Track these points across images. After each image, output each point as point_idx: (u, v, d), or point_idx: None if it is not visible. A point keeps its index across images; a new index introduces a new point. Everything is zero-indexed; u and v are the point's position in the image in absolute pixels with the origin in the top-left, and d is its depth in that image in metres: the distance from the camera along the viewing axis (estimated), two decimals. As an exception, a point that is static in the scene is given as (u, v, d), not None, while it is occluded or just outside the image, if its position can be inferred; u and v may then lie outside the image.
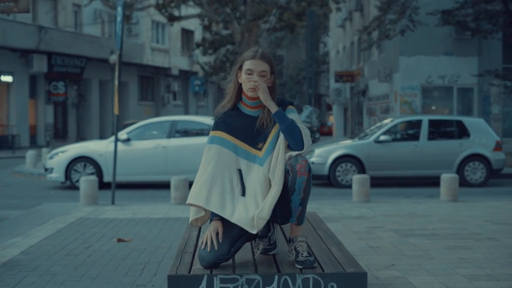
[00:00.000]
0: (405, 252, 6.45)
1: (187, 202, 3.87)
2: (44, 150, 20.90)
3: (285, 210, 3.80)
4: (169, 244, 7.05)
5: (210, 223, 3.82)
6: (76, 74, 33.14)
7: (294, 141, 3.77)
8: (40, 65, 30.28)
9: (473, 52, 26.47)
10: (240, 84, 3.98)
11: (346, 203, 10.76)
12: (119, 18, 10.45)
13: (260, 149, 3.89)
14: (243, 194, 3.81)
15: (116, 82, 10.50)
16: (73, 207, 10.44)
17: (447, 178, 10.95)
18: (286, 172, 3.74)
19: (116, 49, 10.47)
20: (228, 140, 3.95)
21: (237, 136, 3.94)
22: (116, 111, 10.54)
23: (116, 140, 10.78)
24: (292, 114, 3.90)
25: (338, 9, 29.99)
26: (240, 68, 3.98)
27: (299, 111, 21.98)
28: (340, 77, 36.22)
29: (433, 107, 27.04)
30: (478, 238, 7.23)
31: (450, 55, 26.52)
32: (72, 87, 34.31)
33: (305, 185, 3.69)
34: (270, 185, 3.75)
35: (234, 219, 3.71)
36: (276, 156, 3.80)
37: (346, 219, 8.87)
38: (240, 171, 3.88)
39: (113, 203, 10.74)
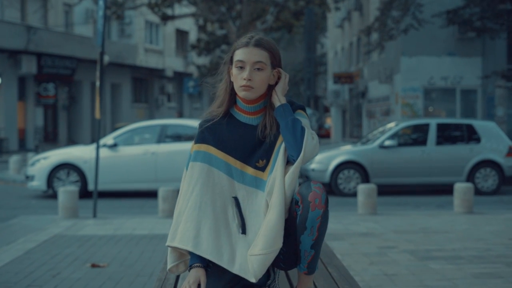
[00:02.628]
0: (426, 282, 5.50)
1: (168, 243, 2.89)
2: (30, 154, 19.91)
3: (291, 253, 2.82)
4: (150, 271, 6.08)
5: (189, 271, 2.84)
6: (67, 75, 32.14)
7: (293, 141, 2.81)
8: (29, 66, 29.29)
9: (477, 52, 25.54)
10: (233, 83, 3.01)
11: (351, 215, 9.82)
12: (100, 13, 9.50)
13: (261, 168, 2.90)
14: (243, 231, 2.83)
15: (98, 84, 9.56)
16: (51, 220, 9.50)
17: (461, 188, 10.02)
18: (295, 203, 2.76)
19: (97, 46, 9.53)
20: (219, 157, 2.95)
21: (230, 151, 2.95)
22: (97, 115, 9.59)
23: (98, 147, 9.83)
24: (300, 119, 2.94)
25: (337, 9, 29.04)
26: (232, 61, 3.01)
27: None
28: (338, 78, 35.28)
29: (430, 109, 26.08)
30: (509, 263, 6.27)
31: (453, 55, 25.59)
32: (63, 89, 33.28)
33: (320, 222, 2.71)
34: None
35: (235, 269, 2.75)
36: (274, 168, 2.83)
37: (353, 236, 7.91)
38: (236, 199, 2.90)
39: (94, 215, 9.78)
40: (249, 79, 2.88)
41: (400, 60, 25.73)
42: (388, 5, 21.76)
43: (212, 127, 3.00)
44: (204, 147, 2.99)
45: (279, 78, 2.98)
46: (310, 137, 2.83)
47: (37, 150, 26.31)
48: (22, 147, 30.27)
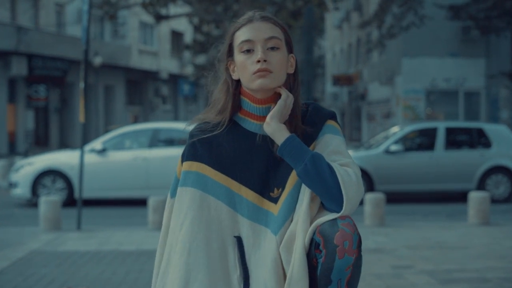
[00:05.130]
0: (454, 313, 4.73)
1: None
2: (18, 159, 19.14)
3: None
4: (134, 298, 5.31)
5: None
6: (59, 77, 31.33)
7: (324, 192, 2.02)
8: (19, 67, 28.49)
9: (480, 53, 24.85)
10: (237, 81, 2.21)
11: (358, 227, 9.02)
12: (85, 7, 8.71)
13: (275, 200, 2.13)
14: (246, 286, 2.06)
15: (82, 85, 8.81)
16: (31, 233, 8.76)
17: (476, 197, 9.27)
18: (315, 247, 2.00)
19: (82, 43, 8.75)
20: (216, 181, 2.17)
21: (233, 172, 2.17)
22: (81, 118, 8.85)
23: (83, 153, 9.08)
24: (331, 137, 2.16)
25: (336, 8, 28.30)
26: (231, 51, 2.22)
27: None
28: (337, 80, 34.53)
29: (428, 111, 25.35)
30: (544, 287, 5.50)
31: (456, 56, 24.88)
32: (54, 91, 32.50)
33: (351, 273, 1.97)
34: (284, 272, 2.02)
35: None
36: (296, 219, 2.06)
37: (363, 252, 7.12)
38: (239, 239, 2.13)
39: (79, 227, 9.02)
40: (265, 60, 2.11)
41: (401, 61, 25.03)
42: (388, 1, 21.07)
43: (207, 139, 2.20)
44: (196, 166, 2.18)
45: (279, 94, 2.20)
46: (346, 177, 2.04)
47: (27, 154, 25.57)
48: (12, 151, 29.47)
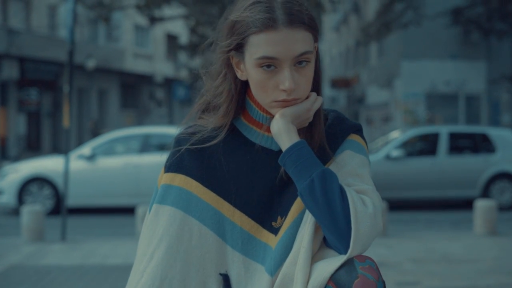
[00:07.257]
0: None
1: None
2: (6, 164, 18.64)
3: None
4: (115, 322, 4.82)
5: None
6: (51, 81, 30.88)
7: (329, 223, 1.54)
8: (10, 71, 28.03)
9: (481, 55, 24.42)
10: (244, 82, 1.68)
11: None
12: (70, 5, 8.27)
13: (275, 230, 1.65)
14: None
15: (67, 88, 8.36)
16: (12, 245, 8.27)
17: (483, 206, 8.81)
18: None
19: (67, 43, 8.31)
20: (204, 201, 1.67)
21: (226, 193, 1.67)
22: (66, 122, 8.38)
23: (68, 160, 8.60)
24: (350, 155, 1.67)
25: (334, 10, 27.89)
26: (239, 49, 1.64)
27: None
28: (335, 83, 34.12)
29: (427, 115, 24.93)
30: None
31: (456, 58, 24.45)
32: (47, 95, 32.02)
33: None
34: None
35: None
36: (295, 248, 1.58)
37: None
38: (226, 278, 1.64)
39: (63, 238, 8.54)
40: (294, 89, 1.59)
41: (400, 63, 24.61)
42: (388, 6, 20.71)
43: (198, 148, 1.70)
44: (180, 180, 1.69)
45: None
46: (360, 206, 1.54)
47: (18, 159, 25.09)
48: (4, 156, 29.00)
